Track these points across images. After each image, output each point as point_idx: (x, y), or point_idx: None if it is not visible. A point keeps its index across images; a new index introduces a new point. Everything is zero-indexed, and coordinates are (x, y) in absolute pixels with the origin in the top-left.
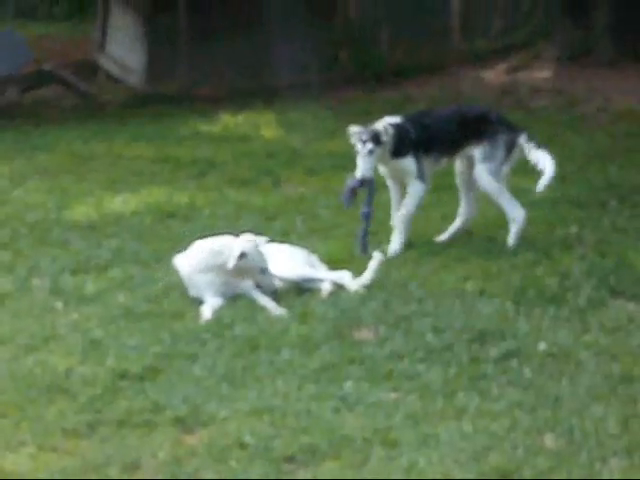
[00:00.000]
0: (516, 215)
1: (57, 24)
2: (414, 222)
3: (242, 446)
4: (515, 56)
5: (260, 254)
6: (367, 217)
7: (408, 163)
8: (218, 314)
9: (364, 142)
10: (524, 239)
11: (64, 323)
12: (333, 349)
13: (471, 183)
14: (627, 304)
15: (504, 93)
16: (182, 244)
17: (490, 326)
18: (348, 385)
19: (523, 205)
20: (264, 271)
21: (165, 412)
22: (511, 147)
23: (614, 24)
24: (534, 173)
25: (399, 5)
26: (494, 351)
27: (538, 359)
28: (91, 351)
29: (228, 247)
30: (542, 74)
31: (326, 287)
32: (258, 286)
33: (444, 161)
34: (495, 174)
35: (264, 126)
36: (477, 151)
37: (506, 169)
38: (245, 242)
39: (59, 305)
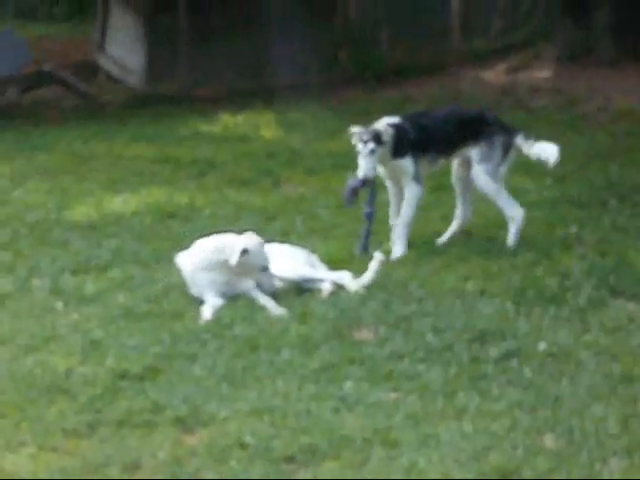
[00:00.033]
0: (514, 214)
1: (57, 25)
2: (414, 222)
3: (242, 446)
4: (515, 56)
5: (262, 252)
6: (370, 217)
7: (407, 163)
8: (218, 314)
9: (365, 142)
10: (524, 239)
11: (64, 323)
12: (333, 349)
13: (468, 185)
14: (627, 304)
15: (504, 93)
16: (182, 244)
17: (490, 326)
18: (348, 385)
19: (523, 205)
20: (265, 269)
21: (165, 412)
22: (508, 148)
23: (614, 24)
24: (533, 173)
25: (399, 5)
26: (494, 351)
27: (538, 359)
28: (91, 351)
29: (231, 244)
30: (542, 74)
31: (326, 287)
32: (258, 285)
33: (441, 162)
34: (492, 175)
35: (264, 126)
36: (474, 152)
37: (503, 170)
38: (248, 239)
39: (59, 305)
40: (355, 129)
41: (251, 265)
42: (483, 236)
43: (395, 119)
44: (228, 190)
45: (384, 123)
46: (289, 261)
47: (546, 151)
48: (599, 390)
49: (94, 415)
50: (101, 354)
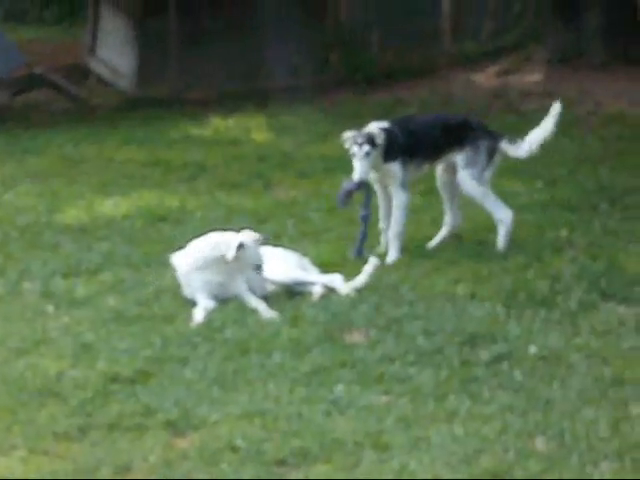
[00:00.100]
0: (503, 216)
1: (47, 28)
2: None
3: (233, 449)
4: (506, 59)
5: (257, 250)
6: (366, 220)
7: (396, 168)
8: (209, 317)
9: (360, 145)
10: (514, 242)
11: (55, 326)
12: (324, 352)
13: (453, 190)
14: (618, 307)
15: (495, 96)
16: (173, 247)
17: (481, 329)
18: (339, 388)
19: (513, 208)
20: (259, 267)
21: (156, 415)
22: (492, 152)
23: (605, 26)
24: (524, 177)
25: (389, 8)
26: (485, 354)
27: (529, 362)
28: (82, 354)
29: (227, 240)
30: (533, 77)
31: (317, 290)
32: (250, 286)
33: (425, 167)
34: (478, 179)
35: (255, 129)
36: (459, 157)
37: (488, 174)
38: (244, 236)
39: (50, 308)
40: (348, 133)
41: (246, 261)
42: (473, 239)
43: (384, 124)
44: (219, 193)
45: (375, 127)
46: (281, 264)
47: (537, 133)
48: (590, 393)
49: (85, 418)
50: (92, 357)
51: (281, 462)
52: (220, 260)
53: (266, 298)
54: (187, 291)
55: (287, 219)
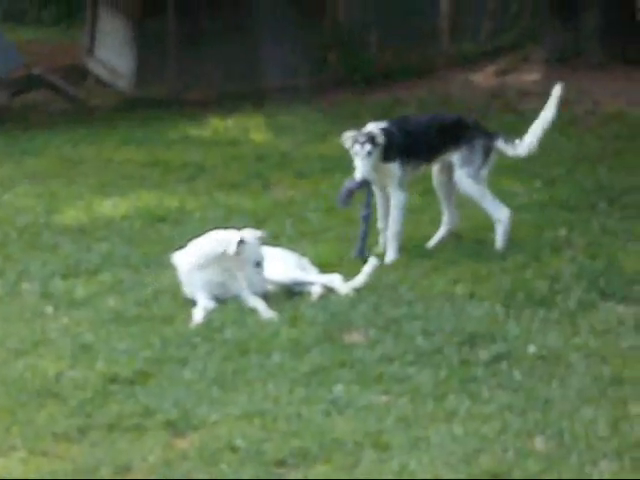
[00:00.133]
0: (501, 215)
1: (46, 28)
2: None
3: (233, 450)
4: (504, 59)
5: (258, 247)
6: (367, 219)
7: (394, 168)
8: (208, 318)
9: (362, 144)
10: (513, 242)
11: (54, 327)
12: (323, 352)
13: (450, 190)
14: (617, 306)
15: (493, 96)
16: (172, 248)
17: (480, 329)
18: (338, 388)
19: (512, 208)
20: (259, 265)
21: (156, 416)
22: (488, 151)
23: (603, 26)
24: (522, 176)
25: (388, 8)
26: (484, 354)
27: (528, 362)
28: (81, 355)
29: (228, 237)
30: (531, 77)
31: (316, 290)
32: (249, 285)
33: (422, 167)
34: (475, 178)
35: (254, 129)
36: (456, 156)
37: (484, 173)
38: (245, 233)
39: (49, 309)
40: (349, 133)
41: (246, 258)
42: (472, 239)
43: (382, 124)
44: (218, 193)
45: (374, 127)
46: (280, 264)
47: (537, 124)
48: (589, 393)
49: (84, 419)
50: (91, 358)
51: (281, 462)
52: (221, 257)
53: (265, 298)
54: (187, 290)
55: (286, 219)
